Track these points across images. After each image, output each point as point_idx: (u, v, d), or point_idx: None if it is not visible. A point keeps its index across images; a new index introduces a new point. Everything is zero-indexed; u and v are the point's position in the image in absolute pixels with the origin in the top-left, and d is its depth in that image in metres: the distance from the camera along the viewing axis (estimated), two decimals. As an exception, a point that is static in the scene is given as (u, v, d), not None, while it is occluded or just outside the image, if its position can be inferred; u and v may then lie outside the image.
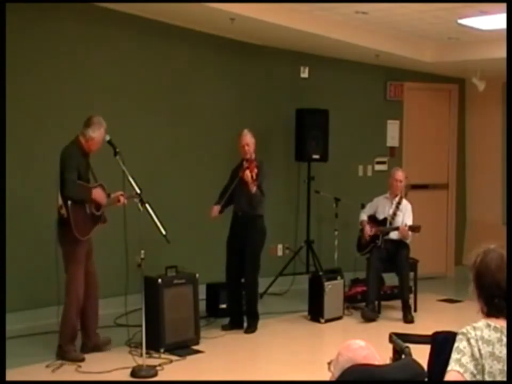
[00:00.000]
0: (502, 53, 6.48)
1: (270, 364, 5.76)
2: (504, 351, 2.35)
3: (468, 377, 2.33)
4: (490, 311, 2.42)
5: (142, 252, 5.21)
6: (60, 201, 5.45)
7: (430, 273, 8.80)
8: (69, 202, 5.40)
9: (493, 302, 2.40)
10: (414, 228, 7.07)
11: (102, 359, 5.57)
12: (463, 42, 7.81)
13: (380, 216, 7.37)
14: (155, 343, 5.69)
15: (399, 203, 7.31)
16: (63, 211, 5.42)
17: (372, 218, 7.40)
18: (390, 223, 7.25)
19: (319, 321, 6.91)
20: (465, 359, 2.35)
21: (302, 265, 8.21)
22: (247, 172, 6.29)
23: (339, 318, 7.04)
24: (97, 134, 5.57)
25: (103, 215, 5.68)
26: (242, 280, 6.60)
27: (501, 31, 6.46)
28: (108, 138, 5.49)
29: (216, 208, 6.55)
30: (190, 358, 5.69)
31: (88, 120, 5.60)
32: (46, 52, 6.50)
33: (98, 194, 5.57)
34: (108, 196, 5.70)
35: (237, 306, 6.63)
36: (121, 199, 5.63)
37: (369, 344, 2.40)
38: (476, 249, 2.52)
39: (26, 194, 6.35)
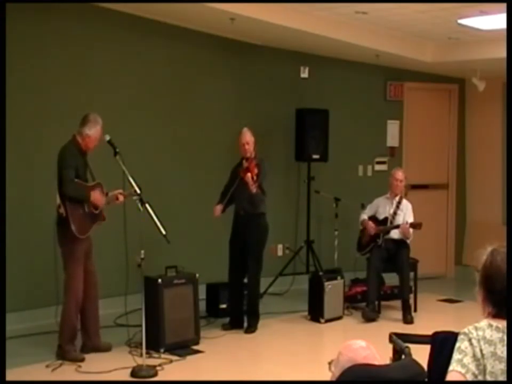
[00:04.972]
0: (502, 53, 6.48)
1: (270, 364, 5.77)
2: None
3: (469, 377, 2.32)
4: (499, 314, 2.41)
5: (142, 252, 5.22)
6: (58, 201, 5.45)
7: (430, 273, 8.80)
8: (67, 201, 5.40)
9: (504, 304, 2.39)
10: (415, 225, 7.07)
11: (102, 359, 5.57)
12: (463, 42, 7.81)
13: (381, 216, 7.37)
14: (155, 343, 5.69)
15: (399, 203, 7.32)
16: (62, 210, 5.42)
17: (373, 219, 7.40)
18: (391, 223, 7.26)
19: (319, 321, 6.91)
20: (467, 360, 2.34)
21: (302, 265, 8.21)
22: (248, 174, 6.28)
23: (339, 318, 7.04)
24: (93, 131, 5.57)
25: (102, 213, 5.67)
26: (245, 280, 6.60)
27: (501, 31, 6.46)
28: (108, 138, 5.48)
29: (219, 208, 6.55)
30: (190, 358, 5.69)
31: (84, 118, 5.60)
32: (46, 52, 6.50)
33: (96, 196, 5.55)
34: (106, 194, 5.71)
35: (237, 306, 6.64)
36: (120, 197, 5.63)
37: (370, 345, 2.39)
38: (480, 250, 2.50)
39: (25, 194, 6.35)
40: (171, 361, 5.56)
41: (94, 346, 5.73)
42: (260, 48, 8.03)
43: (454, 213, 9.59)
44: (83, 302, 5.62)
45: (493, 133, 9.18)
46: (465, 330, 2.41)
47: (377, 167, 8.96)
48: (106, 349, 5.77)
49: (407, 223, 7.08)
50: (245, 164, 6.41)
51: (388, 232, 7.26)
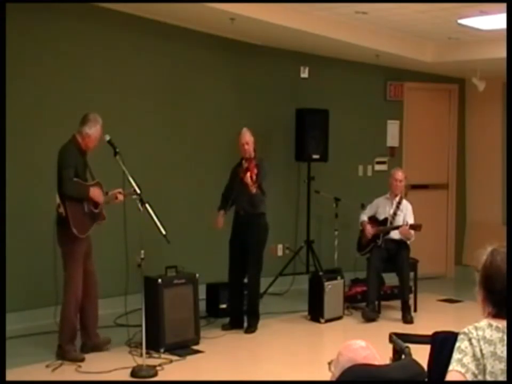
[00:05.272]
0: (502, 53, 6.48)
1: (270, 364, 5.77)
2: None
3: (469, 377, 2.32)
4: (499, 314, 2.41)
5: (142, 252, 5.22)
6: (58, 200, 5.45)
7: (430, 273, 8.80)
8: (67, 201, 5.40)
9: (504, 304, 2.39)
10: (415, 227, 7.06)
11: (102, 359, 5.57)
12: (463, 42, 7.81)
13: (381, 217, 7.37)
14: (155, 343, 5.69)
15: (399, 203, 7.32)
16: (61, 210, 5.42)
17: (373, 219, 7.40)
18: (391, 223, 7.26)
19: (319, 321, 6.91)
20: (467, 359, 2.34)
21: (302, 265, 8.21)
22: (247, 174, 6.28)
23: (339, 318, 7.04)
24: (93, 130, 5.58)
25: (102, 213, 5.68)
26: (245, 280, 6.60)
27: (501, 31, 6.46)
28: (108, 138, 5.48)
29: (221, 219, 6.56)
30: (190, 358, 5.69)
31: (84, 117, 5.61)
32: (46, 52, 6.50)
33: (95, 193, 5.55)
34: (106, 193, 5.71)
35: (237, 306, 6.63)
36: (119, 196, 5.63)
37: (369, 345, 2.39)
38: (480, 250, 2.50)
39: (25, 194, 6.35)
40: (171, 361, 5.56)
41: (94, 345, 5.74)
42: (260, 48, 8.02)
43: (454, 213, 9.59)
44: (83, 302, 5.62)
45: (493, 133, 9.17)
46: (465, 330, 2.41)
47: (377, 167, 8.96)
48: (106, 343, 5.79)
49: (407, 224, 7.08)
50: (245, 164, 6.41)
51: (388, 232, 7.26)
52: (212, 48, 7.68)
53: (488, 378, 2.33)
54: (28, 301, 6.33)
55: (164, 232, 5.29)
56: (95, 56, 6.82)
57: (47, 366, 5.35)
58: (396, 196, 7.35)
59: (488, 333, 2.37)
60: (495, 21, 6.56)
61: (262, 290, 7.05)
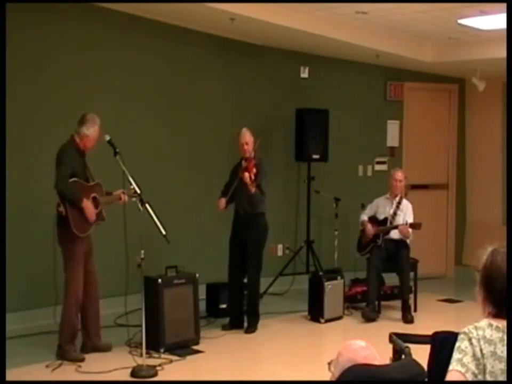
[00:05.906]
0: (502, 53, 6.48)
1: (270, 364, 5.77)
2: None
3: (469, 377, 2.32)
4: (499, 313, 2.41)
5: (142, 252, 5.22)
6: (58, 199, 5.45)
7: (430, 273, 8.80)
8: (67, 200, 5.40)
9: (504, 304, 2.39)
10: (415, 225, 7.07)
11: (102, 359, 5.57)
12: (463, 42, 7.81)
13: (381, 217, 7.37)
14: (155, 343, 5.69)
15: (399, 203, 7.32)
16: (61, 208, 5.42)
17: (373, 219, 7.40)
18: (391, 223, 7.26)
19: (319, 321, 6.91)
20: (467, 359, 2.34)
21: (302, 265, 8.21)
22: (246, 174, 6.28)
23: (339, 318, 7.04)
24: (91, 131, 5.57)
25: (101, 213, 5.67)
26: (245, 280, 6.60)
27: (501, 31, 6.46)
28: (108, 138, 5.47)
29: (223, 200, 6.51)
30: (190, 358, 5.69)
31: (82, 118, 5.60)
32: (46, 52, 6.50)
33: (89, 207, 5.48)
34: (110, 193, 5.70)
35: (237, 306, 6.63)
36: (123, 196, 5.62)
37: (369, 345, 2.39)
38: (481, 250, 2.51)
39: (25, 194, 6.35)
40: (171, 361, 5.56)
41: (94, 346, 5.73)
42: (260, 48, 8.02)
43: (454, 213, 9.59)
44: (84, 302, 5.62)
45: (493, 133, 9.17)
46: (465, 329, 2.41)
47: (377, 167, 8.96)
48: (107, 348, 5.77)
49: (406, 223, 7.08)
50: (244, 163, 6.41)
51: (388, 232, 7.26)
52: (212, 48, 7.68)
53: (488, 378, 2.33)
54: (28, 301, 6.33)
55: (163, 232, 5.29)
56: (95, 56, 6.81)
57: (47, 366, 5.35)
58: (396, 196, 7.36)
59: (488, 333, 2.37)
60: (495, 21, 6.57)
61: (262, 290, 7.05)
